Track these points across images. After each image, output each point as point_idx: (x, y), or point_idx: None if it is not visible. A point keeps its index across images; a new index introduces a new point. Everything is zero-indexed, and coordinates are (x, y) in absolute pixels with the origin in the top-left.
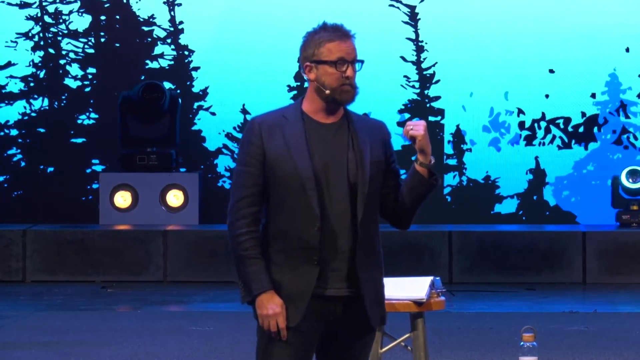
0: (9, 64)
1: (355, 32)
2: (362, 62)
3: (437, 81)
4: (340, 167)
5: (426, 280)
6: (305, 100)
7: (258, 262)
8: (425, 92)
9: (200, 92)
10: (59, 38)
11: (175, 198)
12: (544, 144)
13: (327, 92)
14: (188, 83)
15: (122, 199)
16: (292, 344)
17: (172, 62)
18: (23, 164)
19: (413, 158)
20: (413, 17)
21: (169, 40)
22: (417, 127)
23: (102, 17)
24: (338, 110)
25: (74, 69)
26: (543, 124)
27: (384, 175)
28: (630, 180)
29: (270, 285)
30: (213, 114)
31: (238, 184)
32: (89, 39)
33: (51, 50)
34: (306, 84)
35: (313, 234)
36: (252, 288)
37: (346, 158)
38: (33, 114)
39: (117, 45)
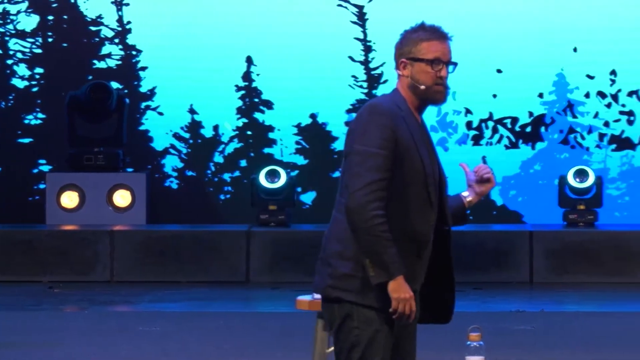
0: None
1: (452, 32)
2: (455, 64)
3: (385, 81)
4: (435, 165)
5: None
6: (404, 96)
7: (394, 245)
8: (373, 92)
9: (148, 92)
10: (6, 38)
11: (122, 198)
12: (491, 143)
13: (423, 87)
14: (135, 83)
15: (69, 199)
16: (393, 336)
17: (120, 62)
18: None
19: (464, 193)
20: (361, 17)
21: (116, 40)
22: (493, 175)
23: (50, 17)
24: (423, 111)
25: (21, 69)
26: (490, 123)
27: None
28: (577, 179)
29: (404, 270)
30: (160, 114)
31: (372, 165)
32: (37, 39)
33: None
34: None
35: (427, 229)
36: (391, 269)
37: (436, 156)
38: None
39: (65, 45)
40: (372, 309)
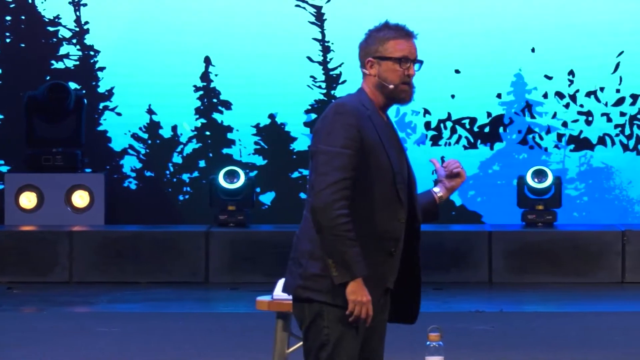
0: None
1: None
2: (422, 62)
3: (344, 82)
4: (404, 162)
5: None
6: (369, 95)
7: (357, 245)
8: (332, 92)
9: (106, 93)
10: None
11: (80, 198)
12: (449, 144)
13: (391, 86)
14: (93, 83)
15: (27, 199)
16: (361, 335)
17: (78, 63)
18: None
19: (435, 189)
20: (319, 18)
21: (74, 41)
22: (463, 169)
23: (8, 18)
24: (387, 109)
25: None
26: (449, 124)
27: None
28: (536, 180)
29: (366, 271)
30: (119, 114)
31: (337, 164)
32: None
33: None
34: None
35: (397, 226)
36: (353, 270)
37: (404, 154)
38: None
39: (22, 45)
40: (342, 309)
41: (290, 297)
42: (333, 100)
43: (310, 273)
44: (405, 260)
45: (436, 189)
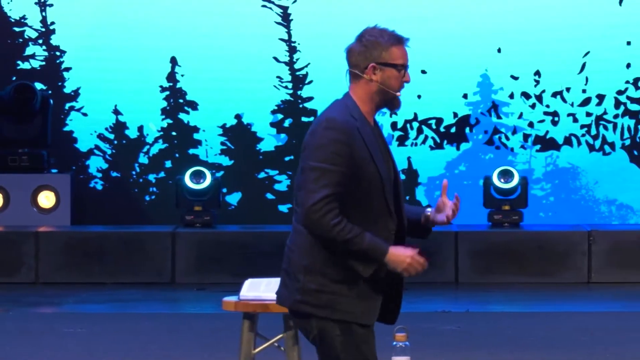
0: None
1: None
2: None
3: (310, 82)
4: (392, 170)
5: None
6: (358, 101)
7: (365, 233)
8: (298, 92)
9: (72, 93)
10: None
11: (46, 199)
12: (416, 144)
13: (397, 94)
14: (59, 84)
15: None
16: (370, 339)
17: (44, 63)
18: None
19: (429, 211)
20: (285, 18)
21: (40, 41)
22: (452, 216)
23: None
24: (375, 115)
25: None
26: (415, 124)
27: None
28: (502, 180)
29: (387, 244)
30: (85, 114)
31: (325, 181)
32: None
33: None
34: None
35: (388, 236)
36: (377, 252)
37: (392, 161)
38: None
39: None
40: (343, 322)
41: (260, 297)
42: (322, 114)
43: (309, 288)
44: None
45: (429, 209)
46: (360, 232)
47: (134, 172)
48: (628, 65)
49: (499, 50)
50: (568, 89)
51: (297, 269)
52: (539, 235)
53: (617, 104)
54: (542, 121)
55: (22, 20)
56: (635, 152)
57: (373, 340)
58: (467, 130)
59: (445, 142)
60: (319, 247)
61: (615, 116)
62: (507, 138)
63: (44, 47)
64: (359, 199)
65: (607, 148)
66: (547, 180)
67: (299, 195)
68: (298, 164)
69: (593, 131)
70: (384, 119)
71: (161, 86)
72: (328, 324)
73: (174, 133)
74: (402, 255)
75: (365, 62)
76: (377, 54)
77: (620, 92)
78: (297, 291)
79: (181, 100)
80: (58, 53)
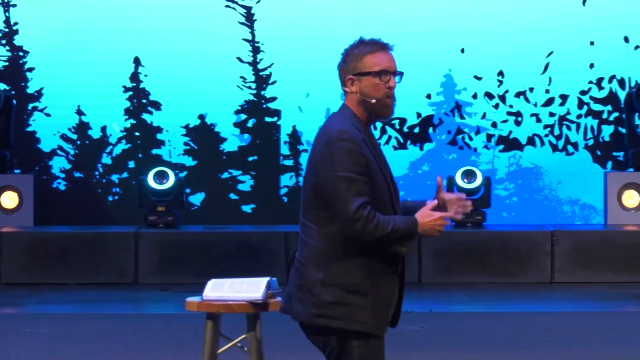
0: None
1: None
2: (402, 74)
3: (274, 82)
4: (393, 180)
5: (263, 281)
6: (356, 113)
7: (396, 217)
8: (262, 92)
9: (35, 93)
10: None
11: (9, 199)
12: (379, 144)
13: (373, 101)
14: (22, 84)
15: None
16: (383, 346)
17: (7, 63)
18: None
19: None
20: (249, 18)
21: (3, 41)
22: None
23: None
24: (373, 123)
25: None
26: (379, 124)
27: None
28: (465, 180)
29: (415, 216)
30: (48, 115)
31: (356, 189)
32: None
33: None
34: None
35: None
36: (411, 224)
37: (390, 173)
38: None
39: None
40: (359, 332)
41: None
42: (327, 126)
43: (325, 301)
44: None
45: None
46: (393, 220)
47: (97, 173)
48: (591, 66)
49: (462, 51)
50: (531, 89)
51: (313, 283)
52: (502, 235)
53: (580, 104)
54: (505, 121)
55: None
56: (598, 152)
57: (383, 350)
58: (431, 130)
59: (408, 142)
60: (333, 259)
61: (579, 116)
62: (471, 138)
63: (7, 48)
64: (375, 207)
65: (570, 148)
66: (510, 181)
67: (335, 206)
68: (306, 178)
69: (556, 131)
70: None
71: (124, 86)
72: (345, 336)
73: (137, 133)
74: (430, 221)
75: (344, 76)
76: (352, 66)
77: (583, 93)
78: (313, 305)
79: (144, 101)
80: (21, 53)
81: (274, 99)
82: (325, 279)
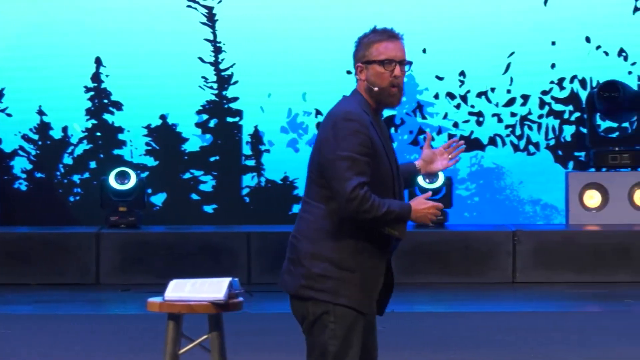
0: None
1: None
2: (410, 63)
3: (235, 82)
4: (396, 167)
5: (224, 281)
6: (367, 99)
7: (391, 201)
8: (223, 93)
9: None
10: None
11: None
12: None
13: (376, 89)
14: None
15: None
16: (362, 328)
17: None
18: None
19: (416, 160)
20: (211, 18)
21: None
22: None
23: None
24: (382, 111)
25: None
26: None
27: None
28: (427, 180)
29: (408, 203)
30: (9, 115)
31: (357, 169)
32: None
33: None
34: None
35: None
36: (403, 214)
37: (396, 160)
38: None
39: None
40: (345, 307)
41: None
42: (336, 108)
43: (314, 273)
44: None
45: (418, 163)
46: (388, 202)
47: (58, 173)
48: (553, 66)
49: (424, 51)
50: (493, 90)
51: (303, 256)
52: (464, 236)
53: (542, 104)
54: (467, 121)
55: None
56: (560, 153)
57: (372, 331)
58: (392, 130)
59: None
60: (326, 235)
61: (540, 116)
62: (432, 138)
63: None
64: (375, 191)
65: (531, 148)
66: (472, 181)
67: (332, 185)
68: (311, 157)
69: (518, 131)
70: (309, 119)
71: (86, 86)
72: (327, 310)
73: (98, 133)
74: (423, 208)
75: (355, 64)
76: (361, 54)
77: (544, 93)
78: (302, 276)
79: (106, 101)
80: None
81: (235, 99)
82: (315, 252)
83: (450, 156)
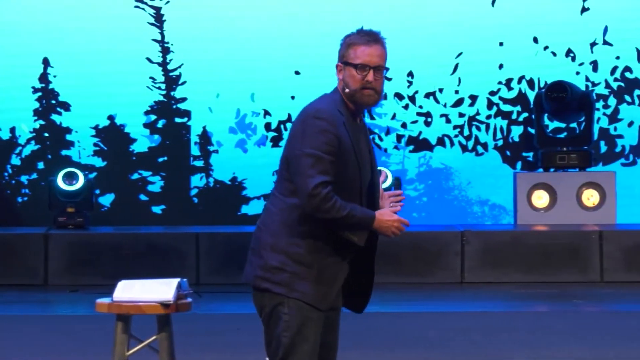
0: None
1: (385, 37)
2: (386, 69)
3: (184, 82)
4: (371, 168)
5: (173, 282)
6: (344, 98)
7: (355, 206)
8: (172, 93)
9: None
10: None
11: None
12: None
13: (347, 90)
14: None
15: None
16: (319, 324)
17: None
18: None
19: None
20: (159, 19)
21: None
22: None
23: None
24: (361, 113)
25: None
26: (289, 125)
27: None
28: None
29: (372, 212)
30: None
31: (320, 167)
32: None
33: None
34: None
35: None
36: (365, 220)
37: (371, 160)
38: None
39: None
40: (298, 301)
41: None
42: (310, 105)
43: (270, 265)
44: (364, 257)
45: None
46: (351, 207)
47: (6, 174)
48: (500, 66)
49: None
50: (441, 90)
51: (263, 247)
52: (413, 236)
53: (490, 104)
54: (415, 122)
55: None
56: (508, 153)
57: (332, 330)
58: None
59: None
60: (286, 228)
61: (488, 117)
62: (381, 139)
63: None
64: (339, 192)
65: (479, 149)
66: (421, 181)
67: (295, 181)
68: (283, 152)
69: (466, 132)
70: (258, 119)
71: (33, 87)
72: (281, 302)
73: (46, 134)
74: (388, 220)
75: (337, 62)
76: (341, 54)
77: (492, 93)
78: (259, 267)
79: (53, 102)
80: None
81: (184, 99)
82: (274, 244)
83: (391, 205)
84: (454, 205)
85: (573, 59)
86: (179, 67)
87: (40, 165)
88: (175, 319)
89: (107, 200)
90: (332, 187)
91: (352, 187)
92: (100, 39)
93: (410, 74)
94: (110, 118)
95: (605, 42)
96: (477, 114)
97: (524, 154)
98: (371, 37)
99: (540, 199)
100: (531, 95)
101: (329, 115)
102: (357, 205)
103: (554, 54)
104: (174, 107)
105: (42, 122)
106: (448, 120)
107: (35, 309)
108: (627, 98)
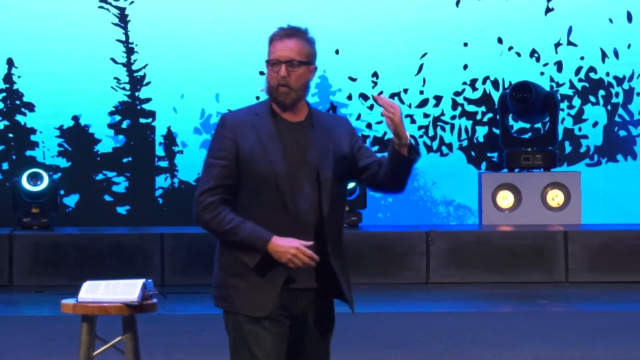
0: None
1: (305, 27)
2: (295, 62)
3: (148, 83)
4: (307, 165)
5: (138, 283)
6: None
7: (246, 223)
8: (136, 94)
9: None
10: None
11: None
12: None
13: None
14: None
15: None
16: (269, 329)
17: None
18: None
19: (389, 137)
20: (123, 19)
21: None
22: (395, 112)
23: None
24: (299, 110)
25: None
26: None
27: (356, 161)
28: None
29: (270, 233)
30: None
31: (210, 174)
32: None
33: None
34: None
35: (285, 229)
36: (260, 241)
37: (312, 156)
38: None
39: None
40: (238, 315)
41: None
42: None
43: (216, 283)
44: (320, 254)
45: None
46: (239, 223)
47: None
48: (465, 67)
49: (337, 52)
50: (405, 90)
51: (215, 266)
52: (378, 236)
53: (455, 105)
54: (380, 122)
55: None
56: (473, 153)
57: (279, 337)
58: None
59: None
60: (221, 243)
61: (453, 117)
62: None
63: None
64: (253, 192)
65: (444, 149)
66: None
67: None
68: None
69: (431, 132)
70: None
71: None
72: (226, 318)
73: (10, 135)
74: (285, 246)
75: None
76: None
77: (457, 94)
78: (213, 287)
79: (18, 102)
80: None
81: (148, 100)
82: (217, 261)
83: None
84: (419, 206)
85: (537, 59)
86: (144, 67)
87: (5, 165)
88: (141, 320)
89: (72, 200)
90: (220, 197)
91: (266, 185)
92: (64, 40)
93: (375, 75)
94: (75, 118)
95: (569, 43)
96: (442, 114)
97: (489, 155)
98: (285, 32)
99: (505, 199)
100: (496, 95)
101: (232, 121)
102: (250, 223)
103: (519, 55)
104: (139, 107)
105: (6, 122)
106: (413, 121)
107: (0, 309)
108: (592, 98)
